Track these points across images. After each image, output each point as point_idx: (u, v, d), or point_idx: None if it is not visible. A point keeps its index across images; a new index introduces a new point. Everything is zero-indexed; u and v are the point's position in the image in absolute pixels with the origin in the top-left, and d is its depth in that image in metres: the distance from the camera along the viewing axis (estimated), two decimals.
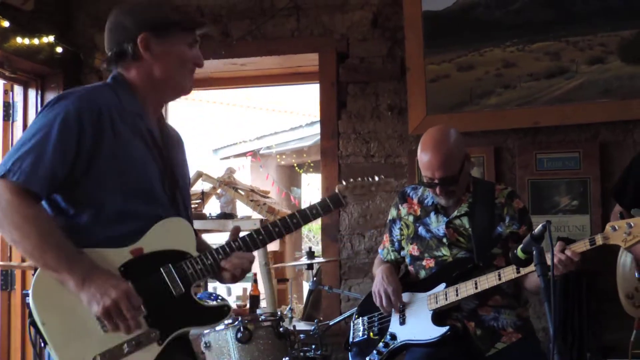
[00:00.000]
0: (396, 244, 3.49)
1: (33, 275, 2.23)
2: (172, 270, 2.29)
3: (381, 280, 3.34)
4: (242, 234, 2.46)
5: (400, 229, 3.46)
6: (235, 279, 2.41)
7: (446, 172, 3.16)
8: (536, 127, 4.54)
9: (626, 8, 4.36)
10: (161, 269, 2.28)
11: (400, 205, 3.49)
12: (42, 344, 2.19)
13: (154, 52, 2.35)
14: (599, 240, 2.81)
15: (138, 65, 2.37)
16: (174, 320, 2.28)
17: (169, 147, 2.46)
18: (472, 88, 4.60)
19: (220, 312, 2.39)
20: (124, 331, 2.17)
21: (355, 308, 3.66)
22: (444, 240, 3.29)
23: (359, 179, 2.61)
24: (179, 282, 2.29)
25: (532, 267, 2.49)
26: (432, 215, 3.34)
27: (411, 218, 3.42)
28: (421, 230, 3.37)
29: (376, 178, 2.64)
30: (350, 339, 3.53)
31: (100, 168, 2.23)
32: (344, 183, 2.57)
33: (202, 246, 2.45)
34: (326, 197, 2.53)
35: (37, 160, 2.16)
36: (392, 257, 3.52)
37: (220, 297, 5.29)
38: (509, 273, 3.03)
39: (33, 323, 2.18)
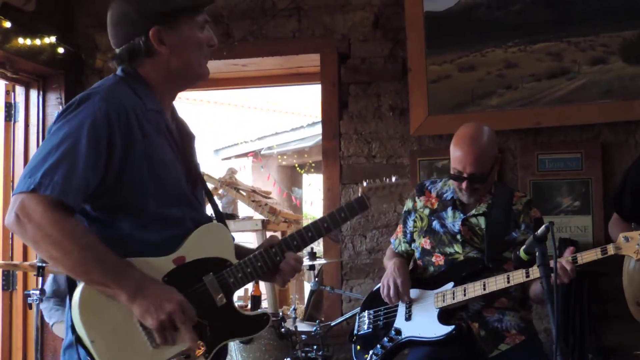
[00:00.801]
0: (408, 235, 3.49)
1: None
2: (214, 279, 2.24)
3: (392, 272, 3.33)
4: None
5: (414, 221, 3.46)
6: (288, 280, 2.41)
7: (477, 169, 3.17)
8: (538, 127, 4.54)
9: (628, 8, 4.36)
10: (203, 279, 2.22)
11: (417, 198, 3.49)
12: None
13: (169, 44, 2.22)
14: (610, 250, 2.80)
15: (153, 60, 2.23)
16: (219, 331, 2.23)
17: (185, 142, 2.36)
18: (473, 89, 4.60)
19: (261, 320, 2.36)
20: (174, 344, 2.10)
21: (357, 309, 3.66)
22: (458, 237, 3.28)
23: (377, 180, 2.60)
24: (221, 292, 2.24)
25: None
26: (450, 210, 3.34)
27: (427, 211, 3.42)
28: (435, 224, 3.36)
29: (393, 179, 2.63)
30: (355, 331, 3.53)
31: (132, 172, 2.11)
32: (365, 184, 2.55)
33: (240, 250, 2.39)
34: (353, 200, 2.48)
35: (70, 171, 2.00)
36: (403, 248, 3.52)
37: None
38: (518, 277, 3.02)
39: (80, 341, 2.08)
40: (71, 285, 2.12)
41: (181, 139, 2.33)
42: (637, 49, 4.33)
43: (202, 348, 2.18)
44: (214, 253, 2.27)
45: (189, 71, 2.29)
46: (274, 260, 2.35)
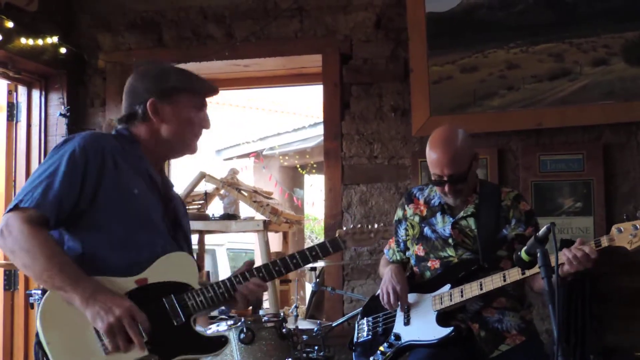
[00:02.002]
0: (402, 244, 3.50)
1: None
2: (174, 300, 2.41)
3: (390, 278, 3.33)
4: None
5: (406, 230, 3.46)
6: (248, 304, 2.55)
7: (455, 169, 3.17)
8: (539, 128, 4.54)
9: (630, 10, 4.36)
10: (163, 299, 2.40)
11: (406, 206, 3.49)
12: None
13: (162, 114, 2.52)
14: (604, 241, 2.80)
15: (146, 125, 2.53)
16: (173, 347, 2.38)
17: (169, 194, 2.63)
18: (475, 89, 4.60)
19: (218, 342, 2.48)
20: (124, 350, 2.27)
21: (359, 309, 3.66)
22: (450, 240, 3.29)
23: (359, 225, 2.78)
24: (180, 312, 2.41)
25: (537, 269, 2.49)
26: (439, 215, 3.35)
27: (417, 218, 3.42)
28: (427, 230, 3.37)
29: (376, 225, 2.79)
30: (355, 339, 3.54)
31: (103, 198, 2.38)
32: (344, 228, 2.74)
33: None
34: (326, 240, 2.70)
35: (47, 188, 2.32)
36: (398, 258, 3.53)
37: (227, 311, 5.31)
38: (514, 274, 3.03)
39: (39, 343, 2.29)
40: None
41: (165, 188, 2.61)
42: (639, 50, 4.33)
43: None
44: (177, 278, 2.46)
45: (176, 143, 2.58)
46: (235, 288, 2.52)
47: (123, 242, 2.40)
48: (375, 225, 2.77)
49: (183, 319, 2.40)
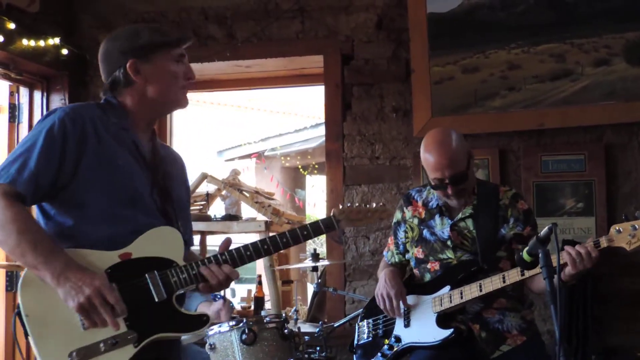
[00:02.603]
0: (401, 246, 3.50)
1: None
2: (157, 276, 2.37)
3: (384, 284, 3.34)
4: (232, 247, 2.51)
5: (405, 232, 3.46)
6: (210, 289, 2.45)
7: (455, 169, 3.16)
8: (541, 129, 4.54)
9: (631, 10, 4.36)
10: (146, 275, 2.36)
11: (405, 208, 3.49)
12: (25, 335, 2.28)
13: (144, 74, 2.47)
14: (603, 242, 2.80)
15: (131, 89, 2.48)
16: (152, 324, 2.34)
17: (159, 162, 2.56)
18: (476, 90, 4.60)
19: (199, 321, 2.43)
20: (101, 326, 2.25)
21: (360, 310, 3.66)
22: (449, 243, 3.28)
23: (356, 204, 2.68)
24: (162, 288, 2.36)
25: (536, 270, 2.49)
26: (437, 217, 3.34)
27: (416, 221, 3.42)
28: (426, 233, 3.37)
29: (374, 205, 2.70)
30: (355, 341, 3.54)
31: (85, 172, 2.35)
32: (340, 207, 2.63)
33: (191, 258, 2.53)
34: (320, 220, 2.59)
35: (23, 164, 2.30)
36: (397, 260, 3.53)
37: (222, 297, 5.30)
38: (513, 275, 3.03)
39: (19, 314, 2.30)
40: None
41: (153, 157, 2.54)
42: None
43: (130, 336, 2.29)
44: (162, 254, 2.41)
45: (165, 100, 2.53)
46: (220, 265, 2.44)
47: (107, 216, 2.36)
48: (373, 205, 2.69)
49: (164, 296, 2.36)
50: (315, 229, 2.56)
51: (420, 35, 4.66)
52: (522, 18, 4.55)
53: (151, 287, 2.35)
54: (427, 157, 3.21)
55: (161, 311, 2.36)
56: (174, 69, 2.51)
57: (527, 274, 2.94)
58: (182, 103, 2.58)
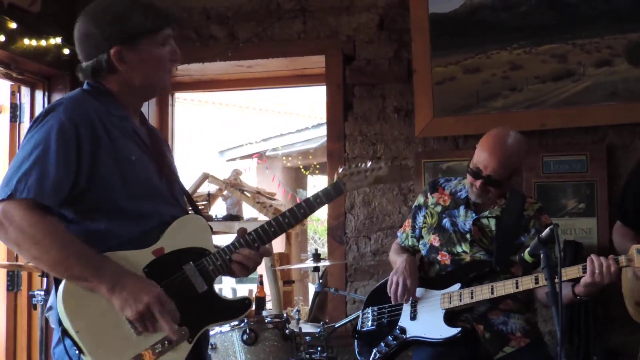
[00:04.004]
0: (417, 230, 3.48)
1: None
2: (194, 268, 2.34)
3: (403, 270, 3.29)
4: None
5: (425, 217, 3.45)
6: (247, 271, 2.46)
7: (496, 174, 3.16)
8: (543, 129, 4.53)
9: (633, 10, 4.35)
10: (183, 268, 2.33)
11: (429, 194, 3.47)
12: (78, 352, 2.18)
13: (130, 62, 2.35)
14: (622, 261, 2.79)
15: (115, 76, 2.36)
16: (201, 317, 2.34)
17: (156, 144, 2.50)
18: (478, 90, 4.59)
19: (243, 305, 2.44)
20: (154, 331, 2.21)
21: (361, 310, 3.66)
22: (468, 236, 3.28)
23: (354, 165, 2.71)
24: (202, 279, 2.35)
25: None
26: (462, 208, 3.33)
27: (439, 208, 3.41)
28: (446, 222, 3.35)
29: (369, 163, 2.72)
30: (359, 327, 3.52)
31: (102, 173, 2.25)
32: (340, 170, 2.66)
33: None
34: (328, 185, 2.61)
35: (42, 175, 2.15)
36: (410, 243, 3.52)
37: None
38: (527, 283, 3.01)
39: (66, 332, 2.18)
40: (57, 283, 2.21)
41: (151, 141, 2.47)
42: None
43: (184, 332, 2.27)
44: (193, 243, 2.38)
45: (151, 86, 2.45)
46: (252, 246, 2.46)
47: (131, 214, 2.29)
48: (369, 164, 2.71)
49: (206, 286, 2.34)
50: (327, 195, 2.58)
51: (422, 35, 4.66)
52: (524, 18, 4.55)
53: (192, 280, 2.33)
54: (484, 148, 3.19)
55: (205, 302, 2.35)
56: (160, 53, 2.40)
57: (541, 282, 2.93)
58: (167, 87, 2.51)
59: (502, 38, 4.56)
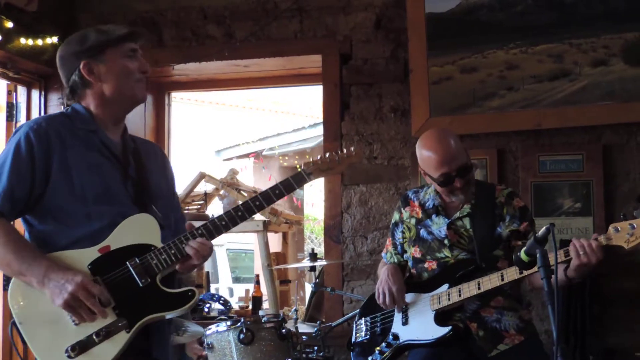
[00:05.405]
0: (399, 247, 3.51)
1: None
2: (138, 262, 2.47)
3: (386, 279, 3.34)
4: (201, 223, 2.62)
5: (403, 232, 3.48)
6: (192, 266, 2.55)
7: (461, 161, 3.20)
8: (539, 129, 4.54)
9: (629, 10, 4.36)
10: (127, 263, 2.47)
11: (402, 209, 3.51)
12: (23, 343, 2.43)
13: (98, 74, 2.57)
14: (602, 240, 2.81)
15: (89, 91, 2.59)
16: (141, 308, 2.45)
17: (129, 156, 2.64)
18: (475, 90, 4.60)
19: (186, 296, 2.50)
20: (89, 320, 2.38)
21: (358, 310, 3.66)
22: (445, 241, 3.30)
23: (320, 155, 2.71)
24: (145, 273, 2.46)
25: (535, 268, 2.49)
26: (434, 217, 3.36)
27: (413, 221, 3.43)
28: (423, 232, 3.38)
29: (345, 150, 2.74)
30: (353, 339, 3.54)
31: (56, 179, 2.48)
32: (310, 159, 2.68)
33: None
34: (289, 176, 2.64)
35: None
36: (395, 260, 3.53)
37: (222, 298, 5.30)
38: (512, 273, 3.03)
39: (14, 323, 2.44)
40: (7, 280, 2.47)
41: (124, 152, 2.63)
42: (639, 51, 4.33)
43: (121, 324, 2.40)
44: (139, 240, 2.51)
45: (122, 97, 2.62)
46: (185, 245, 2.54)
47: (83, 216, 2.48)
48: (344, 150, 2.73)
49: (148, 279, 2.46)
50: (287, 186, 2.62)
51: (419, 35, 4.66)
52: (520, 18, 4.55)
53: (134, 274, 2.45)
54: (430, 154, 3.23)
55: (148, 295, 2.46)
56: (126, 64, 2.59)
57: (526, 272, 2.95)
58: (139, 97, 2.66)
59: (499, 38, 4.57)
